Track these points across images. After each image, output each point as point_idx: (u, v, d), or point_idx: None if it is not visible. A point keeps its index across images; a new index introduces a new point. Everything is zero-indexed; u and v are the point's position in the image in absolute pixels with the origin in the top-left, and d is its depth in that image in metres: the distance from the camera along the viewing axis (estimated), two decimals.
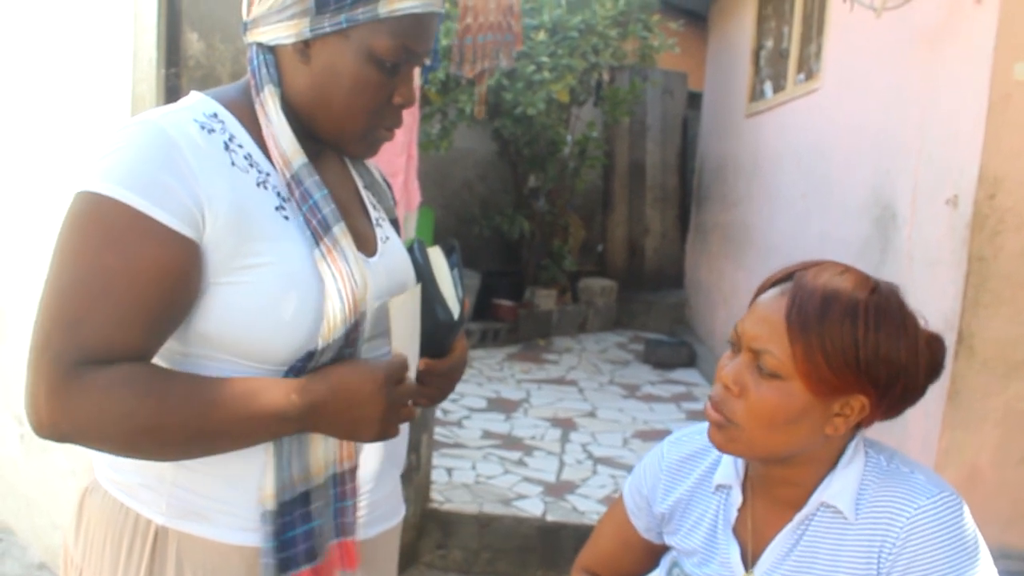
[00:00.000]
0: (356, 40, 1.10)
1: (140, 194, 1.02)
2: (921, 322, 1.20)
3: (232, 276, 1.07)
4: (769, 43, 6.51)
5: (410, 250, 1.32)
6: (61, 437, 1.02)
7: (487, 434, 4.83)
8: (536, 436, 4.87)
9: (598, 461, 4.51)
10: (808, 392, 1.13)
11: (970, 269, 3.00)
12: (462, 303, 1.29)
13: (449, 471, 4.12)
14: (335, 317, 1.08)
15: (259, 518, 1.12)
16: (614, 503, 1.49)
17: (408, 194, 3.17)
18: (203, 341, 1.10)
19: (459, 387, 5.72)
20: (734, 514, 1.30)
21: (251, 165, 1.12)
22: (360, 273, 1.12)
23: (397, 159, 3.06)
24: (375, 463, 1.26)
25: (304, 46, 1.12)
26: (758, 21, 6.72)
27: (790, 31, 5.80)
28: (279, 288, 1.08)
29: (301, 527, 1.12)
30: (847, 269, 1.19)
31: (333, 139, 1.19)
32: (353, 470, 1.19)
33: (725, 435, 1.19)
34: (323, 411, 1.08)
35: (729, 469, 1.31)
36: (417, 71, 3.05)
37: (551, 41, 6.52)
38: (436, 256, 1.32)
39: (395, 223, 1.38)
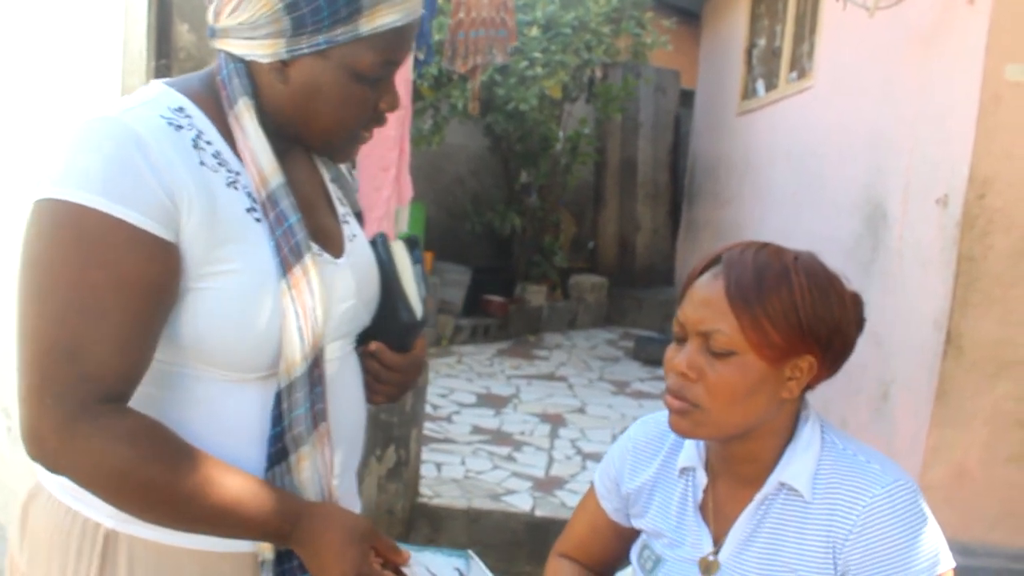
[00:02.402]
0: (337, 59, 1.06)
1: (114, 199, 0.96)
2: (844, 281, 1.25)
3: (202, 282, 1.03)
4: (762, 41, 6.52)
5: (373, 244, 1.29)
6: (55, 471, 0.99)
7: (477, 429, 4.83)
8: (525, 432, 4.87)
9: (587, 457, 4.51)
10: (761, 361, 1.17)
11: (959, 269, 3.01)
12: (424, 301, 1.28)
13: (438, 466, 4.12)
14: (293, 356, 1.07)
15: (258, 565, 1.12)
16: (588, 490, 1.53)
17: (400, 188, 3.17)
18: (176, 349, 1.06)
19: (449, 382, 5.77)
20: (700, 495, 1.33)
21: (220, 164, 1.07)
22: (324, 310, 1.09)
23: (389, 153, 3.05)
24: (344, 464, 1.24)
25: (282, 65, 1.08)
26: (751, 19, 6.72)
27: (783, 29, 5.81)
28: (248, 296, 1.05)
29: (294, 561, 1.12)
30: (766, 245, 1.25)
31: (317, 148, 1.17)
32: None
33: (691, 420, 1.21)
34: (305, 553, 1.08)
35: (691, 451, 1.34)
36: (408, 64, 3.04)
37: (544, 37, 6.52)
38: (400, 252, 1.29)
39: (359, 216, 1.34)
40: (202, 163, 1.04)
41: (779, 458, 1.26)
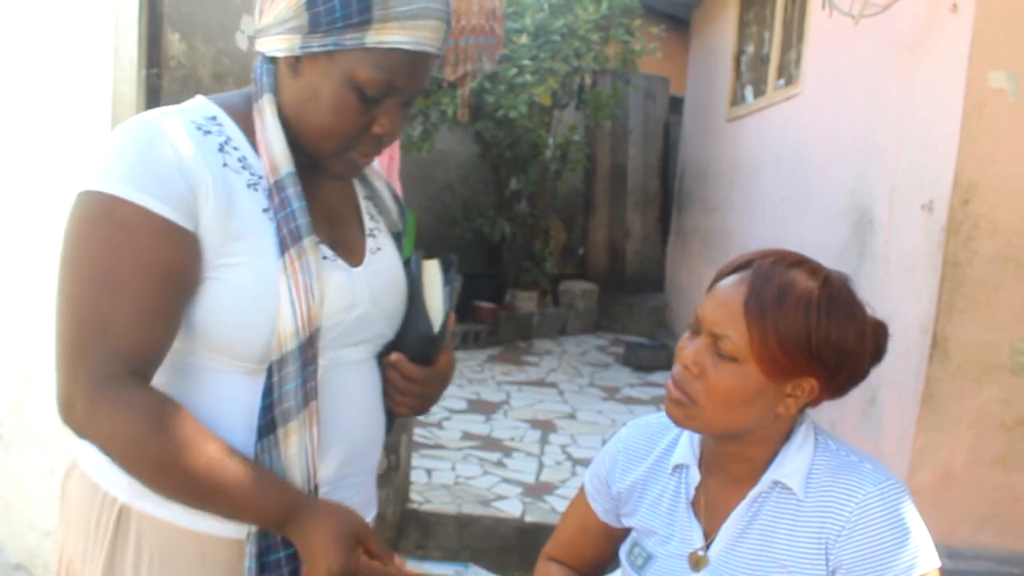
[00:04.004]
0: (341, 64, 1.11)
1: (140, 190, 1.06)
2: (868, 310, 1.28)
3: (215, 272, 1.11)
4: (750, 48, 6.55)
5: (407, 262, 1.34)
6: (81, 435, 1.09)
7: (467, 435, 4.84)
8: (516, 437, 4.88)
9: (577, 462, 4.52)
10: (762, 374, 1.19)
11: (945, 274, 3.04)
12: (446, 317, 1.31)
13: (429, 472, 4.13)
14: (285, 330, 1.11)
15: (244, 538, 1.16)
16: (577, 493, 1.54)
17: None
18: (188, 337, 1.14)
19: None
20: (692, 492, 1.35)
21: (244, 167, 1.15)
22: (320, 289, 1.14)
23: (379, 160, 3.06)
24: (348, 468, 1.26)
25: (295, 61, 1.14)
26: (739, 27, 6.76)
27: (771, 37, 5.85)
28: (251, 288, 1.11)
29: (284, 550, 1.15)
30: (802, 259, 1.26)
31: (310, 153, 1.20)
32: (315, 488, 1.20)
33: (684, 412, 1.24)
34: (301, 545, 1.12)
35: (686, 449, 1.36)
36: None
37: (533, 45, 6.53)
38: (431, 270, 1.34)
39: (398, 236, 1.39)
40: (225, 164, 1.13)
41: (773, 459, 1.28)
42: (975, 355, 3.05)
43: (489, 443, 4.74)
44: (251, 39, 1.19)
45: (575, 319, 8.28)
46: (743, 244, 5.94)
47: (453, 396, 5.62)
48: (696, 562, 1.31)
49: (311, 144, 1.18)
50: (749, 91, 6.42)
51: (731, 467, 1.31)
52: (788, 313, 1.17)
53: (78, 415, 1.06)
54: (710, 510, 1.33)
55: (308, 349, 1.13)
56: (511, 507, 3.77)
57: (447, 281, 1.34)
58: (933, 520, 3.12)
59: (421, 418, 4.93)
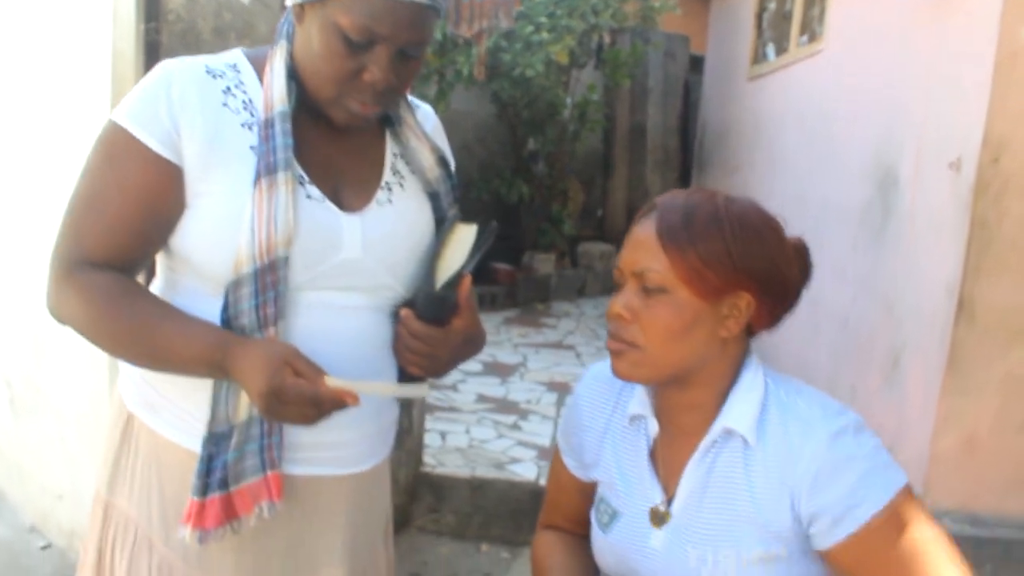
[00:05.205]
0: (329, 10, 1.18)
1: (136, 121, 1.20)
2: (784, 228, 1.27)
3: (194, 200, 1.22)
4: (772, 5, 6.40)
5: (440, 221, 1.39)
6: (60, 321, 1.24)
7: (482, 398, 4.81)
8: (532, 400, 4.85)
9: None
10: (694, 297, 1.19)
11: (972, 234, 2.95)
12: (456, 279, 1.29)
13: (443, 435, 4.10)
14: (242, 254, 1.19)
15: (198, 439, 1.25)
16: (555, 451, 1.53)
17: None
18: (174, 257, 1.27)
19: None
20: (651, 444, 1.33)
21: (246, 109, 1.26)
22: (288, 222, 1.19)
23: None
24: (351, 409, 1.25)
25: (300, 10, 1.23)
26: None
27: None
28: (221, 214, 1.21)
29: (220, 458, 1.23)
30: (699, 190, 1.28)
31: (314, 100, 1.26)
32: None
33: (629, 361, 1.23)
34: (237, 379, 1.18)
35: (642, 398, 1.34)
36: None
37: (550, 1, 6.41)
38: (463, 232, 1.34)
39: (435, 196, 1.40)
40: (224, 104, 1.24)
41: (722, 407, 1.26)
42: (1003, 318, 2.97)
43: (505, 406, 4.70)
44: None
45: (593, 281, 8.22)
46: (765, 203, 5.81)
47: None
48: (658, 518, 1.29)
49: (312, 91, 1.25)
50: (771, 49, 6.29)
51: (682, 418, 1.29)
52: (700, 230, 1.19)
53: (51, 304, 1.23)
54: (667, 464, 1.31)
55: (267, 275, 1.19)
56: (526, 470, 3.74)
57: (479, 246, 1.32)
58: (957, 486, 3.09)
59: (435, 381, 4.90)
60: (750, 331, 1.28)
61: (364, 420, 1.35)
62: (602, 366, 1.43)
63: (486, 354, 5.76)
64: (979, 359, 3.01)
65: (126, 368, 1.34)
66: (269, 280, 1.19)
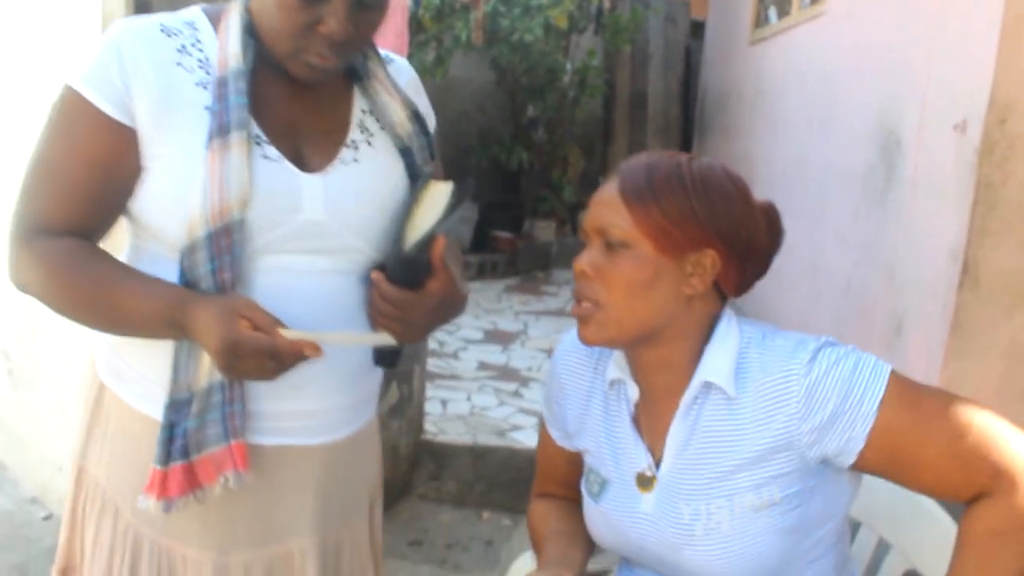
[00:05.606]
0: None
1: (88, 83, 1.18)
2: (751, 190, 1.26)
3: (149, 163, 1.19)
4: None
5: (414, 179, 1.33)
6: (21, 289, 1.23)
7: (483, 365, 4.80)
8: (533, 367, 4.84)
9: None
10: (657, 252, 1.19)
11: (977, 197, 2.91)
12: (429, 240, 1.21)
13: (444, 403, 4.09)
14: (195, 216, 1.16)
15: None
16: (541, 421, 1.53)
17: None
18: (136, 223, 1.26)
19: (456, 319, 5.72)
20: (632, 408, 1.32)
21: (202, 67, 1.21)
22: (243, 184, 1.16)
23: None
24: (295, 377, 1.22)
25: None
26: None
27: None
28: (175, 176, 1.18)
29: (181, 426, 1.21)
30: (665, 151, 1.27)
31: (273, 57, 1.22)
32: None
33: (594, 323, 1.23)
34: (194, 337, 1.16)
35: (620, 360, 1.33)
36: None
37: None
38: (436, 191, 1.26)
39: (407, 153, 1.35)
40: (178, 63, 1.21)
41: (698, 362, 1.24)
42: (1008, 281, 2.93)
43: (506, 373, 4.70)
44: None
45: None
46: (766, 169, 5.80)
47: (469, 327, 5.58)
48: (644, 483, 1.28)
49: (269, 46, 1.21)
50: (773, 12, 6.21)
51: (658, 378, 1.28)
52: (662, 185, 1.19)
53: (11, 272, 1.22)
54: (651, 426, 1.30)
55: (221, 239, 1.16)
56: (527, 438, 3.73)
57: (453, 207, 1.24)
58: None
59: (436, 349, 4.90)
60: (723, 295, 1.27)
61: (337, 391, 1.32)
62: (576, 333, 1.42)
63: (487, 322, 5.75)
64: (983, 324, 2.98)
65: (97, 337, 1.33)
66: (224, 244, 1.16)
